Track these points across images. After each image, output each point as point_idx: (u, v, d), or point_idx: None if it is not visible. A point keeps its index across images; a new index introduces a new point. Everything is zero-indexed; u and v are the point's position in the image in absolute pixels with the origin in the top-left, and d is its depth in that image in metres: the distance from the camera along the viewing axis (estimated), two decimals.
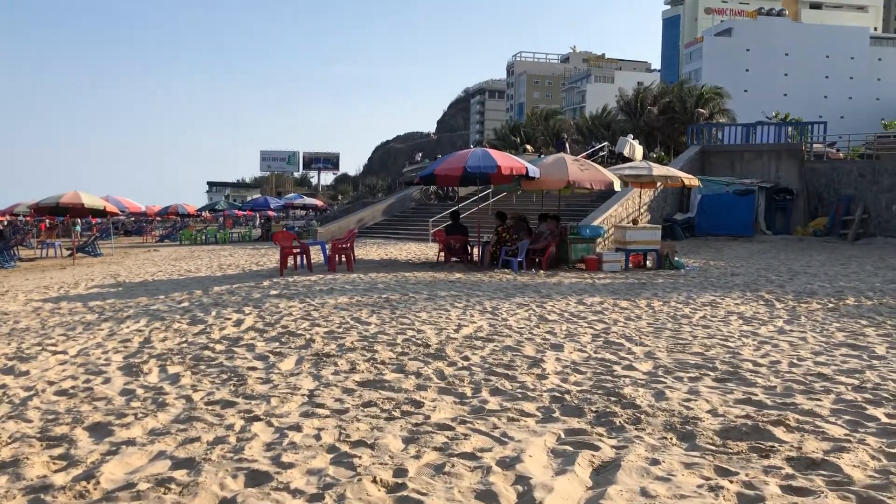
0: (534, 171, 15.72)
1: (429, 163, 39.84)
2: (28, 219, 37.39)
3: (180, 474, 3.72)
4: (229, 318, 9.05)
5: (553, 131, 51.13)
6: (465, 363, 6.30)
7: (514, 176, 15.81)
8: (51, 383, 5.88)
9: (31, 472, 3.81)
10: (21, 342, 7.99)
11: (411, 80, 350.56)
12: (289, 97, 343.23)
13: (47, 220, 36.32)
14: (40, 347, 7.60)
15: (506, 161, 15.77)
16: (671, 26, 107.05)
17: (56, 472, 3.83)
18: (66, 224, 36.06)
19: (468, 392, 5.35)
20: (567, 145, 34.50)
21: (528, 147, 40.31)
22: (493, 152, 16.67)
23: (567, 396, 5.19)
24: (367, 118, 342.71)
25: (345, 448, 4.10)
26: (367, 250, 22.72)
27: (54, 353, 7.29)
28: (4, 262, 21.93)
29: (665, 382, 5.63)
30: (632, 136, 34.82)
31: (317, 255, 19.12)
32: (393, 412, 4.81)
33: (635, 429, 4.49)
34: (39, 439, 4.38)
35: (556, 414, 4.81)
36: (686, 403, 5.02)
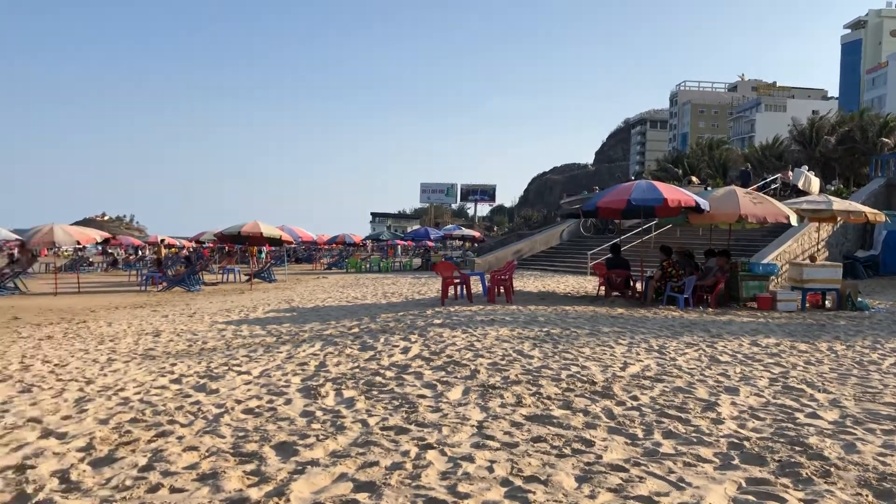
0: (704, 203, 15.19)
1: (587, 195, 39.44)
2: (211, 245, 40.45)
3: (363, 497, 3.88)
4: (397, 346, 9.34)
5: (719, 162, 49.24)
6: (634, 403, 6.14)
7: (680, 209, 15.34)
8: (238, 402, 6.31)
9: (229, 485, 4.11)
10: (210, 361, 8.64)
11: (569, 111, 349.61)
12: (447, 130, 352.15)
13: (226, 248, 39.15)
14: (227, 367, 8.18)
15: (672, 193, 15.34)
16: (851, 51, 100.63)
17: (250, 486, 4.10)
18: (244, 252, 38.69)
19: (639, 433, 5.21)
20: (751, 176, 32.95)
21: (693, 178, 38.99)
22: (659, 184, 16.27)
23: (746, 443, 4.94)
24: (524, 150, 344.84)
25: (518, 482, 4.11)
26: (525, 282, 22.75)
27: (239, 373, 7.82)
28: (191, 286, 23.83)
29: (855, 434, 5.23)
30: (806, 167, 32.86)
31: (475, 285, 19.35)
32: (563, 449, 4.77)
33: (825, 482, 4.19)
34: (233, 454, 4.71)
35: (736, 461, 4.59)
36: (881, 458, 4.63)
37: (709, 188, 28.81)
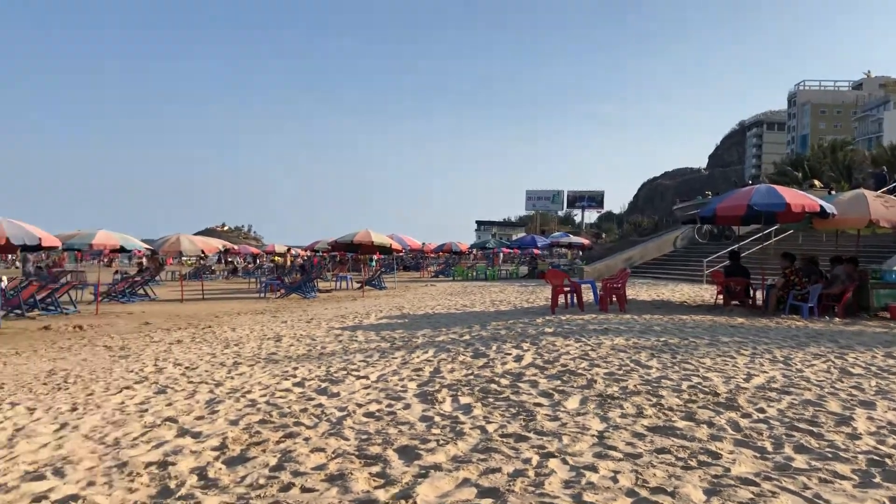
0: (829, 208, 14.46)
1: (703, 200, 38.23)
2: (324, 254, 41.68)
3: (487, 503, 3.90)
4: (509, 354, 9.34)
5: (843, 164, 46.74)
6: (761, 415, 5.91)
7: (804, 214, 14.65)
8: (359, 405, 6.48)
9: (357, 486, 4.23)
10: (329, 366, 8.90)
11: (679, 115, 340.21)
12: (553, 136, 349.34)
13: (338, 256, 40.22)
14: (346, 372, 8.41)
15: (795, 198, 14.68)
16: None
17: (376, 488, 4.21)
18: (356, 260, 39.67)
19: (769, 447, 5.01)
20: (887, 179, 31.08)
21: (816, 182, 37.16)
22: (780, 188, 15.60)
23: (888, 461, 4.66)
24: (633, 155, 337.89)
25: (644, 493, 4.03)
26: (637, 290, 22.26)
27: (357, 377, 8.02)
28: (307, 293, 24.62)
29: None
30: None
31: (586, 294, 19.10)
32: (689, 461, 4.64)
33: None
34: (358, 456, 4.84)
35: (878, 479, 4.34)
36: None
37: (833, 192, 27.42)
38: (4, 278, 18.10)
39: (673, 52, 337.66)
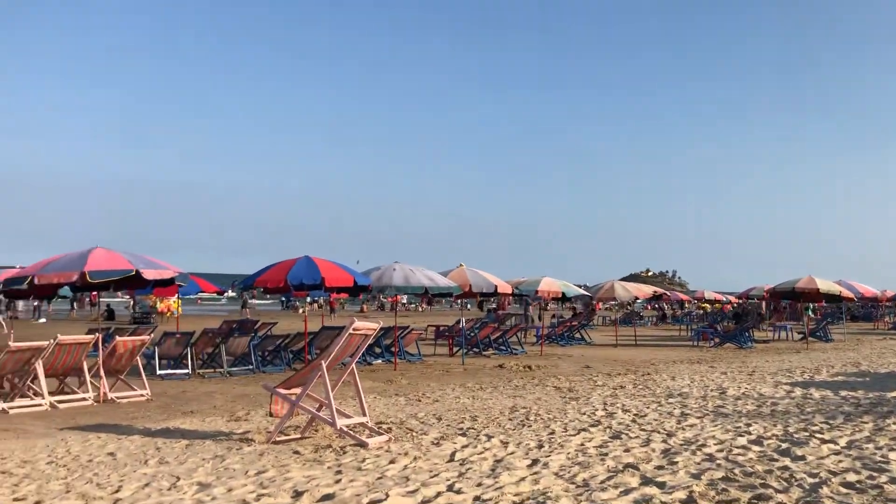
0: None
1: None
2: (759, 301, 39.37)
3: None
4: None
5: None
6: None
7: None
8: (833, 473, 5.89)
9: None
10: (786, 425, 8.30)
11: None
12: None
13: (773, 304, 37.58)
14: (807, 433, 7.76)
15: None
16: None
17: None
18: (794, 308, 36.76)
19: None
20: None
21: None
22: None
23: None
24: None
25: None
26: None
27: (823, 440, 7.33)
28: (743, 343, 23.45)
29: None
30: None
31: None
32: None
33: None
34: None
35: None
36: None
37: None
38: (463, 319, 20.55)
39: None
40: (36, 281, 10.95)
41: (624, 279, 42.51)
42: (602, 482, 5.69)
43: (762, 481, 5.64)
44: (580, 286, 26.10)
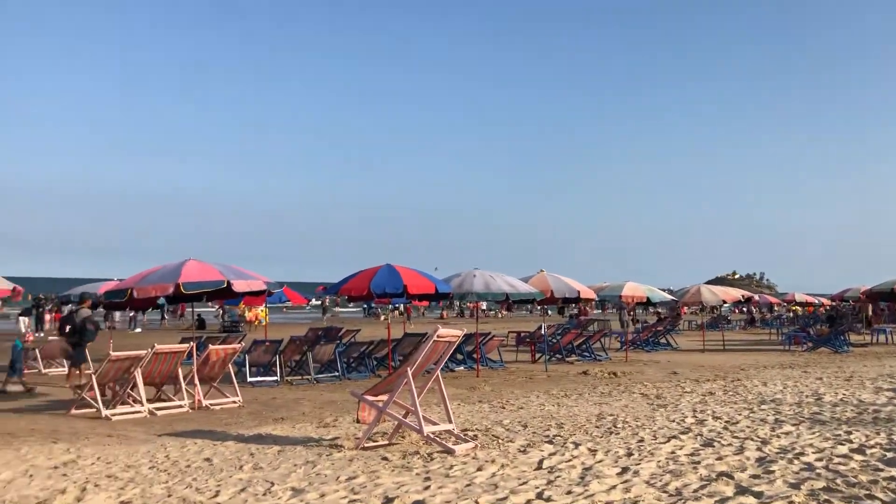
0: None
1: None
2: (853, 304, 37.71)
3: None
4: None
5: None
6: None
7: None
8: None
9: None
10: (890, 433, 7.92)
11: None
12: None
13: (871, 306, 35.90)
14: None
15: None
16: None
17: None
18: (893, 310, 35.08)
19: None
20: None
21: None
22: None
23: None
24: None
25: None
26: None
27: None
28: (839, 347, 22.52)
29: None
30: None
31: None
32: None
33: None
34: None
35: None
36: None
37: None
38: (545, 325, 20.42)
39: None
40: (135, 294, 11.45)
41: (709, 282, 41.45)
42: (695, 491, 5.55)
43: (867, 492, 5.40)
44: (664, 290, 25.56)
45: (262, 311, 32.77)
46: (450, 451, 7.27)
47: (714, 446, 7.44)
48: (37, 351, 16.96)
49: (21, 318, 32.37)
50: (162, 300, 13.81)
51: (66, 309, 16.34)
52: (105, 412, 10.46)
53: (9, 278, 16.59)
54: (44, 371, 16.27)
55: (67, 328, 13.47)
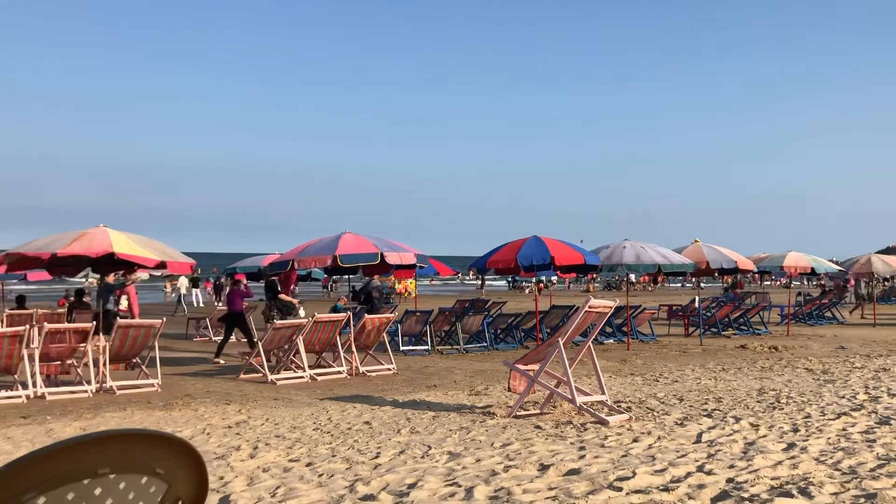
0: None
1: None
2: None
3: None
4: None
5: None
6: None
7: None
8: None
9: None
10: None
11: None
12: None
13: None
14: None
15: None
16: None
17: None
18: None
19: None
20: None
21: None
22: None
23: None
24: None
25: None
26: None
27: None
28: None
29: None
30: None
31: None
32: None
33: None
34: None
35: None
36: None
37: None
38: (698, 298, 19.67)
39: None
40: (296, 266, 12.07)
41: (881, 252, 38.39)
42: (872, 469, 5.20)
43: None
44: (830, 261, 23.96)
45: (411, 283, 33.65)
46: (603, 422, 7.20)
47: (891, 424, 6.93)
48: (207, 319, 18.30)
49: (194, 291, 35.03)
50: (319, 272, 14.48)
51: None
52: (271, 377, 11.13)
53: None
54: (213, 339, 17.51)
55: (362, 297, 16.00)
